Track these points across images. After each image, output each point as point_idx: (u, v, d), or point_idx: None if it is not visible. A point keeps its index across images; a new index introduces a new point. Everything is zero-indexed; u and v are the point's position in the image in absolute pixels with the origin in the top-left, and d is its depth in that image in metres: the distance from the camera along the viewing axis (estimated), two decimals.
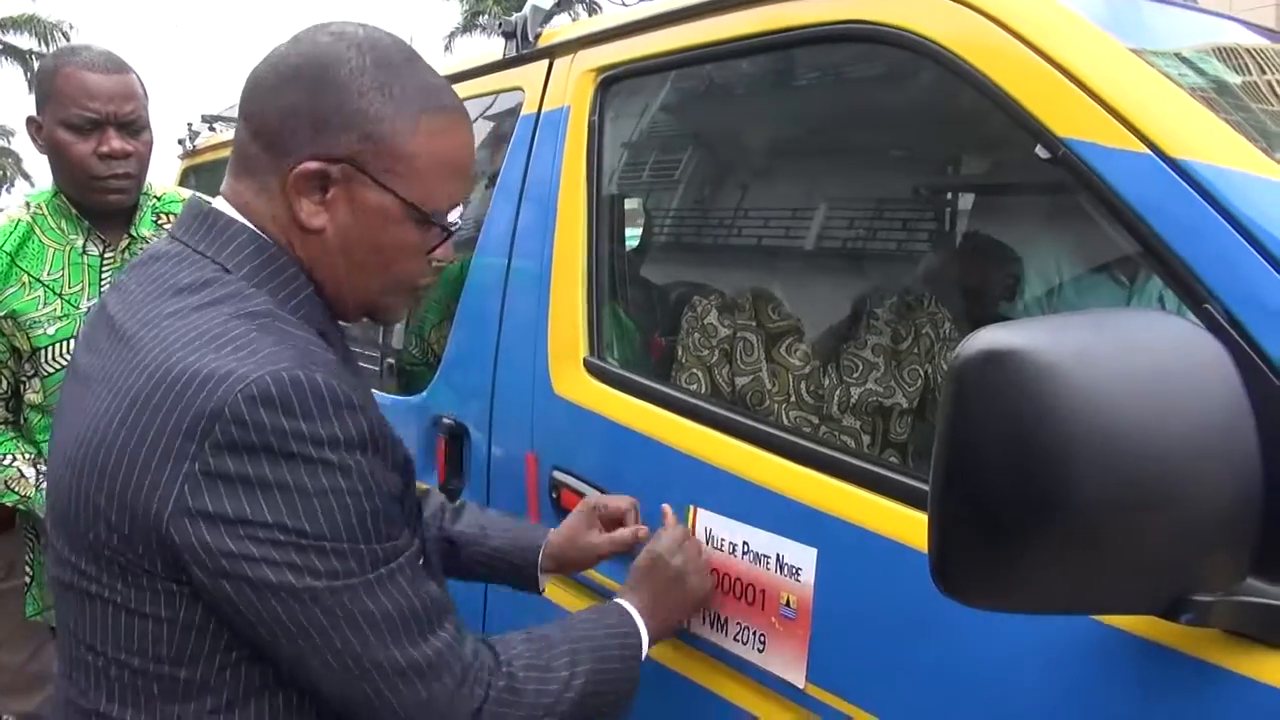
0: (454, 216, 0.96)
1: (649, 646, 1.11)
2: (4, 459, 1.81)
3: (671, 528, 1.22)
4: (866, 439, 1.59)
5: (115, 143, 1.70)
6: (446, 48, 30.00)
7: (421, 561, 0.97)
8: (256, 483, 0.79)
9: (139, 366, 0.82)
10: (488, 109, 2.02)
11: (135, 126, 1.73)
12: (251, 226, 0.91)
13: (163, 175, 4.43)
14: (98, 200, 1.76)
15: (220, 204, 0.93)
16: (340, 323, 0.99)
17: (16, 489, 1.80)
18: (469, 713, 0.90)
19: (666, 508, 1.25)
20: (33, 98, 1.77)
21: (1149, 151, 0.87)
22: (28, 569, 1.98)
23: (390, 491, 0.87)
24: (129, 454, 0.80)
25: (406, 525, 0.93)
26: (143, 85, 1.77)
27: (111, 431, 0.81)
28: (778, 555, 1.14)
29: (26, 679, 2.23)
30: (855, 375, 1.60)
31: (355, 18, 0.97)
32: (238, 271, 0.89)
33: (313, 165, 0.87)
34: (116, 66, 1.71)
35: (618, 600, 1.14)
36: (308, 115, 0.87)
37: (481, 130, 2.10)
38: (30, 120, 1.76)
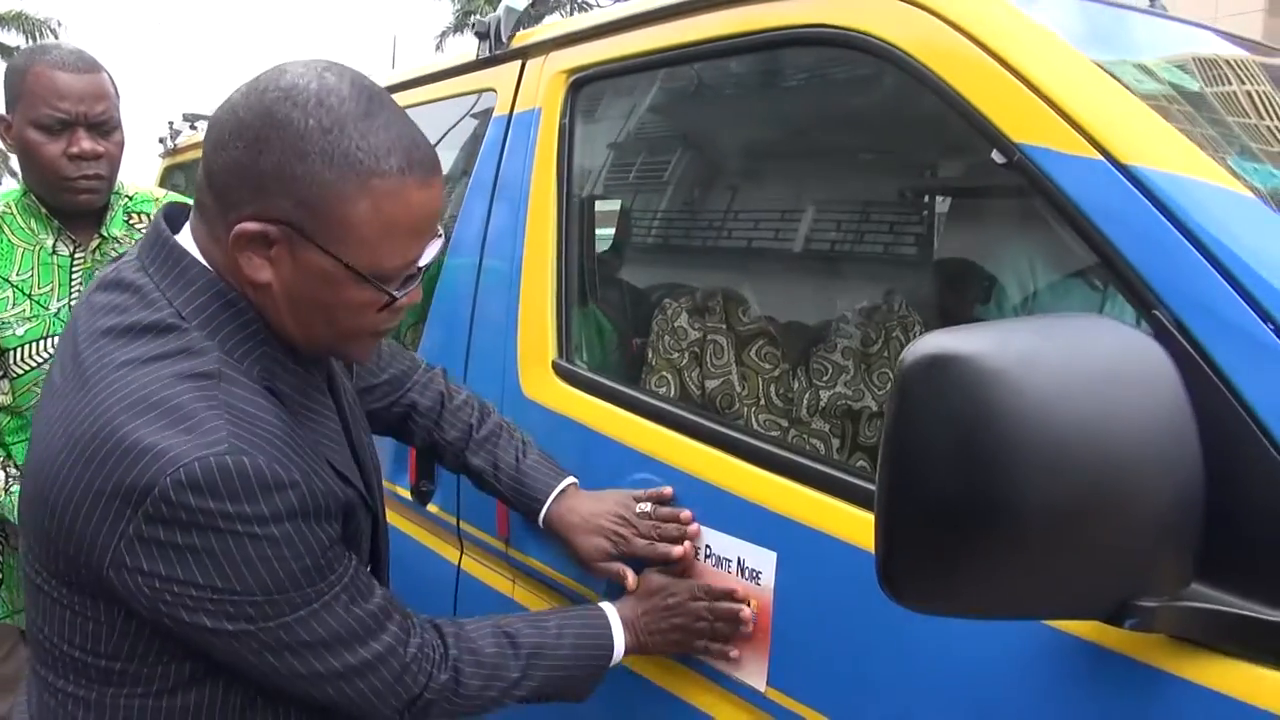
0: (411, 268, 0.93)
1: (621, 657, 1.16)
2: None
3: (695, 577, 1.21)
4: (836, 442, 1.59)
5: (85, 143, 1.69)
6: (438, 47, 29.95)
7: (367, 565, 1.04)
8: (186, 549, 0.83)
9: (89, 416, 0.85)
10: (462, 110, 2.02)
11: (106, 127, 1.71)
12: (211, 270, 0.91)
13: (144, 173, 4.42)
14: (68, 201, 1.75)
15: (185, 239, 0.93)
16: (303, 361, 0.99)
17: None
18: (408, 700, 1.00)
19: (689, 547, 1.22)
20: None
21: (1101, 157, 0.87)
22: None
23: (328, 542, 0.92)
24: (74, 501, 0.84)
25: (345, 554, 0.97)
26: (114, 84, 1.75)
27: (62, 475, 0.85)
28: (739, 559, 1.15)
29: (1, 680, 2.21)
30: (825, 379, 1.60)
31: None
32: (193, 319, 0.90)
33: (252, 226, 0.86)
34: (88, 65, 1.69)
35: (605, 605, 1.19)
36: (250, 174, 0.85)
37: (456, 131, 2.10)
38: (1, 119, 1.75)
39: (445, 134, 2.13)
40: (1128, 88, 0.95)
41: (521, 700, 1.11)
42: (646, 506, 1.26)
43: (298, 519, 0.87)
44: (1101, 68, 0.97)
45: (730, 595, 1.15)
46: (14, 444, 1.80)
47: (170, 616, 0.86)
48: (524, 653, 1.09)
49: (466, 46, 2.06)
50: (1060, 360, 0.71)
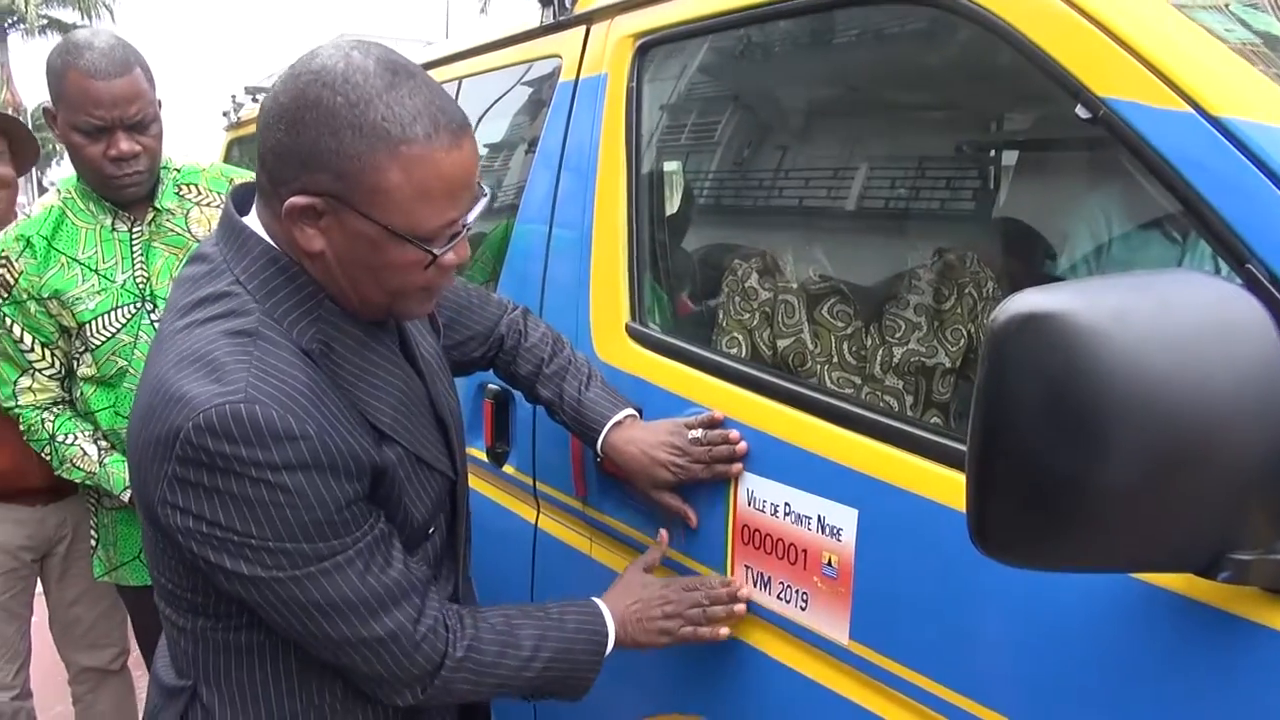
0: (453, 228, 0.97)
1: (611, 647, 1.24)
2: (66, 438, 1.90)
3: (690, 580, 1.31)
4: (909, 399, 1.60)
5: (124, 144, 1.76)
6: (482, 9, 29.83)
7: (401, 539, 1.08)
8: (211, 490, 0.92)
9: (154, 374, 0.97)
10: (525, 76, 2.03)
11: (141, 124, 1.77)
12: (268, 242, 1.00)
13: (209, 145, 4.50)
14: (113, 195, 1.85)
15: (251, 219, 1.02)
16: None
17: (81, 465, 1.89)
18: (420, 675, 1.06)
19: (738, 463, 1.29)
20: None
21: (1191, 110, 0.86)
22: (93, 533, 2.07)
23: (344, 500, 0.97)
24: (140, 449, 0.97)
25: (376, 513, 1.03)
26: (148, 74, 1.78)
27: (135, 428, 0.99)
28: (819, 516, 1.17)
29: (98, 634, 2.34)
30: (897, 335, 1.61)
31: None
32: (249, 284, 0.99)
33: (300, 200, 0.94)
34: (119, 68, 1.71)
35: (597, 601, 1.27)
36: (292, 153, 0.93)
37: (519, 97, 2.12)
38: (47, 111, 1.82)
39: (508, 101, 2.15)
40: (1217, 36, 0.93)
41: (531, 685, 1.16)
42: (698, 433, 1.32)
43: (310, 471, 0.93)
44: (1188, 16, 0.95)
45: (723, 582, 1.28)
46: (99, 411, 1.89)
47: (202, 556, 0.96)
48: (532, 632, 1.16)
49: (514, 7, 2.06)
50: (1153, 315, 0.71)
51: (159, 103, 1.84)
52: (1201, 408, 0.70)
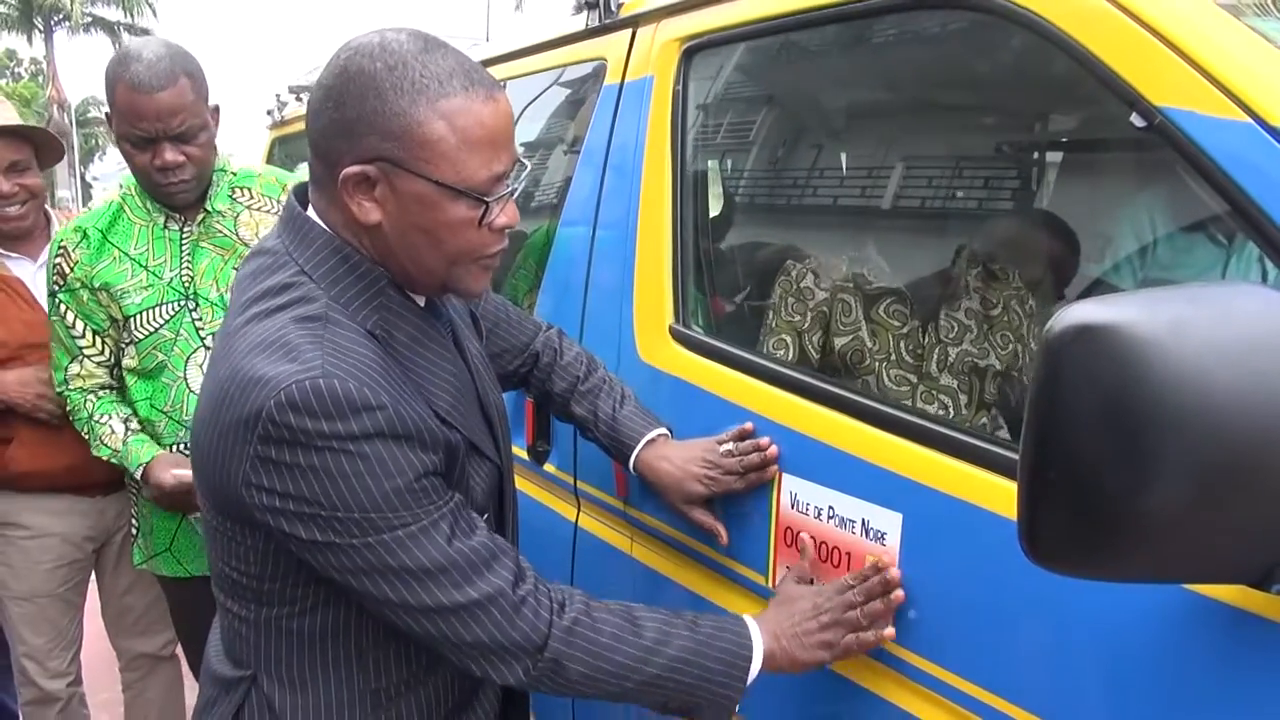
0: (500, 185, 1.02)
1: (760, 667, 1.13)
2: (101, 418, 1.96)
3: (841, 581, 1.17)
4: (964, 398, 1.61)
5: (169, 155, 1.81)
6: (517, 7, 29.97)
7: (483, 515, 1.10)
8: (293, 466, 0.95)
9: (227, 364, 1.00)
10: (569, 79, 2.05)
11: (187, 135, 1.82)
12: (329, 231, 1.05)
13: (253, 145, 4.57)
14: (163, 201, 1.91)
15: (310, 211, 1.07)
16: (422, 308, 1.11)
17: (108, 442, 1.95)
18: (530, 648, 1.04)
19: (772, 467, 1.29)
20: None
21: (1250, 120, 0.86)
22: (134, 521, 2.12)
23: (422, 469, 1.00)
24: (216, 434, 0.99)
25: (451, 489, 1.05)
26: (196, 82, 1.80)
27: (208, 416, 1.02)
28: (863, 520, 1.17)
29: (149, 621, 2.40)
30: (951, 336, 1.61)
31: None
32: (314, 273, 1.04)
33: (353, 169, 0.99)
34: (163, 80, 1.74)
35: (745, 616, 1.17)
36: (341, 127, 0.99)
37: (563, 100, 2.14)
38: (106, 116, 1.87)
39: (553, 104, 2.17)
40: (1275, 44, 0.92)
41: (657, 690, 1.09)
42: (729, 445, 1.33)
43: (387, 440, 0.97)
44: (1245, 23, 0.95)
45: (875, 569, 1.13)
46: (139, 401, 1.96)
47: (289, 533, 0.98)
48: (656, 622, 1.11)
49: (549, 5, 2.08)
50: (1209, 327, 0.71)
51: (214, 109, 1.88)
52: (1259, 420, 0.70)
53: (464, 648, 1.04)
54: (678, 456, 1.37)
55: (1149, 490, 0.70)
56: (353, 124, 0.98)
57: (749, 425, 1.33)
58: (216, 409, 0.99)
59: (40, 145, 2.21)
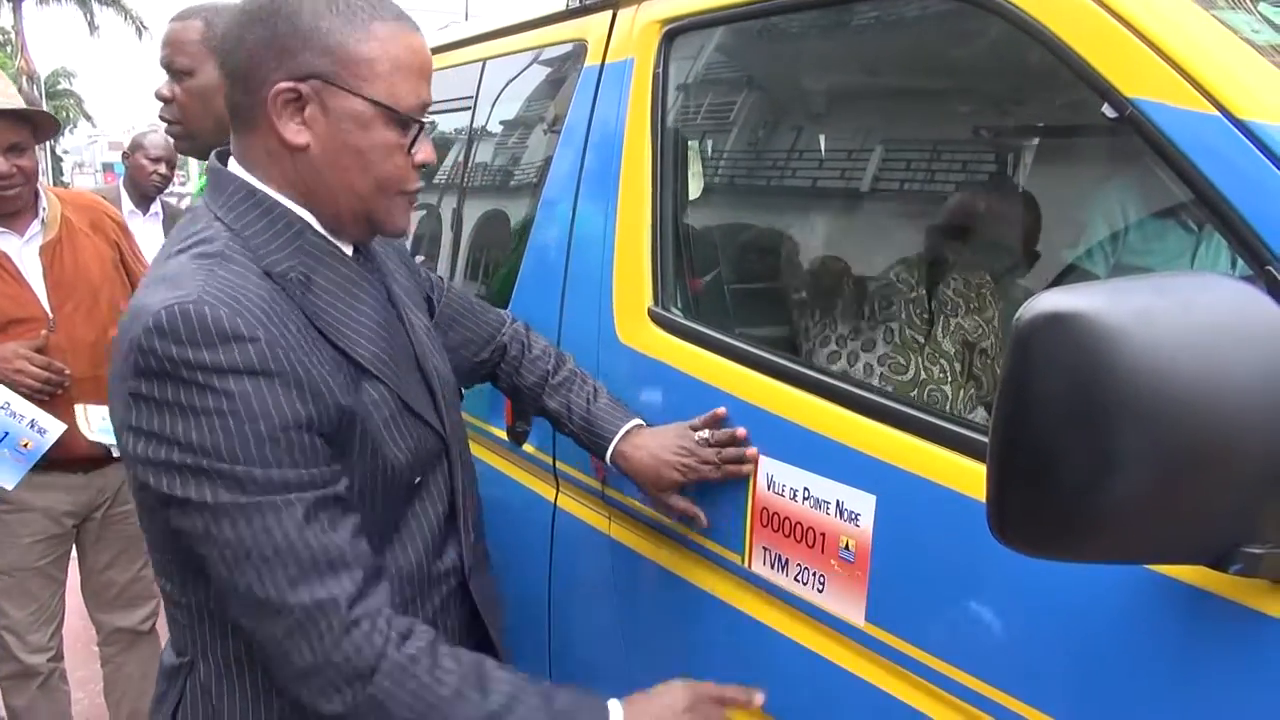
0: (424, 116, 1.05)
1: None
2: None
3: (716, 694, 1.15)
4: (958, 366, 1.66)
5: (162, 88, 1.74)
6: None
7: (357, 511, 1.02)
8: (160, 403, 0.92)
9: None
10: (548, 60, 2.05)
11: (177, 72, 1.75)
12: (243, 176, 1.05)
13: None
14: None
15: (232, 163, 1.07)
16: (348, 257, 1.10)
17: None
18: (348, 672, 0.94)
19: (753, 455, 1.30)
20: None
21: (1217, 112, 0.87)
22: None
23: (292, 418, 0.94)
24: (113, 381, 0.98)
25: (322, 462, 0.98)
26: (208, 29, 1.70)
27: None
28: (837, 501, 1.19)
29: (130, 596, 2.41)
30: (949, 309, 1.66)
31: None
32: (226, 217, 1.03)
33: (285, 84, 0.99)
34: (182, 14, 1.71)
35: (611, 701, 1.09)
36: (272, 44, 0.99)
37: (542, 81, 2.13)
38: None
39: (531, 85, 2.17)
40: (1244, 38, 0.94)
41: None
42: (705, 434, 1.34)
43: (258, 377, 0.92)
44: (1216, 17, 0.97)
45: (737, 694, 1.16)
46: None
47: (156, 491, 0.94)
48: (508, 686, 1.02)
49: None
50: (1174, 315, 0.73)
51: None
52: (1220, 407, 0.72)
53: (282, 661, 0.96)
54: (653, 445, 1.37)
55: (1113, 474, 0.72)
56: (284, 40, 0.98)
57: (722, 410, 1.34)
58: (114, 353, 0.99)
59: (37, 126, 2.19)
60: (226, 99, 1.05)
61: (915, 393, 1.69)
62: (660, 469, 1.36)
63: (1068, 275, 1.99)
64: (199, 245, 1.00)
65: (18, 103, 2.14)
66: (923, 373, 1.68)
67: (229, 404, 0.92)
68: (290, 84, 0.99)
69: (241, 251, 1.00)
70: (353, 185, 1.04)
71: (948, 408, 1.67)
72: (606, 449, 1.41)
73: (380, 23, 1.01)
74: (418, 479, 1.14)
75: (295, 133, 1.01)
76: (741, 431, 1.31)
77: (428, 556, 1.17)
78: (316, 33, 0.99)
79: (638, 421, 1.42)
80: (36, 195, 2.25)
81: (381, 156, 1.03)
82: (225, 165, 1.08)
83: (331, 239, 1.08)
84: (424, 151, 1.07)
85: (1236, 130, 0.86)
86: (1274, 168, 0.83)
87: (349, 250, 1.11)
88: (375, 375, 1.06)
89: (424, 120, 1.05)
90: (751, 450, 1.30)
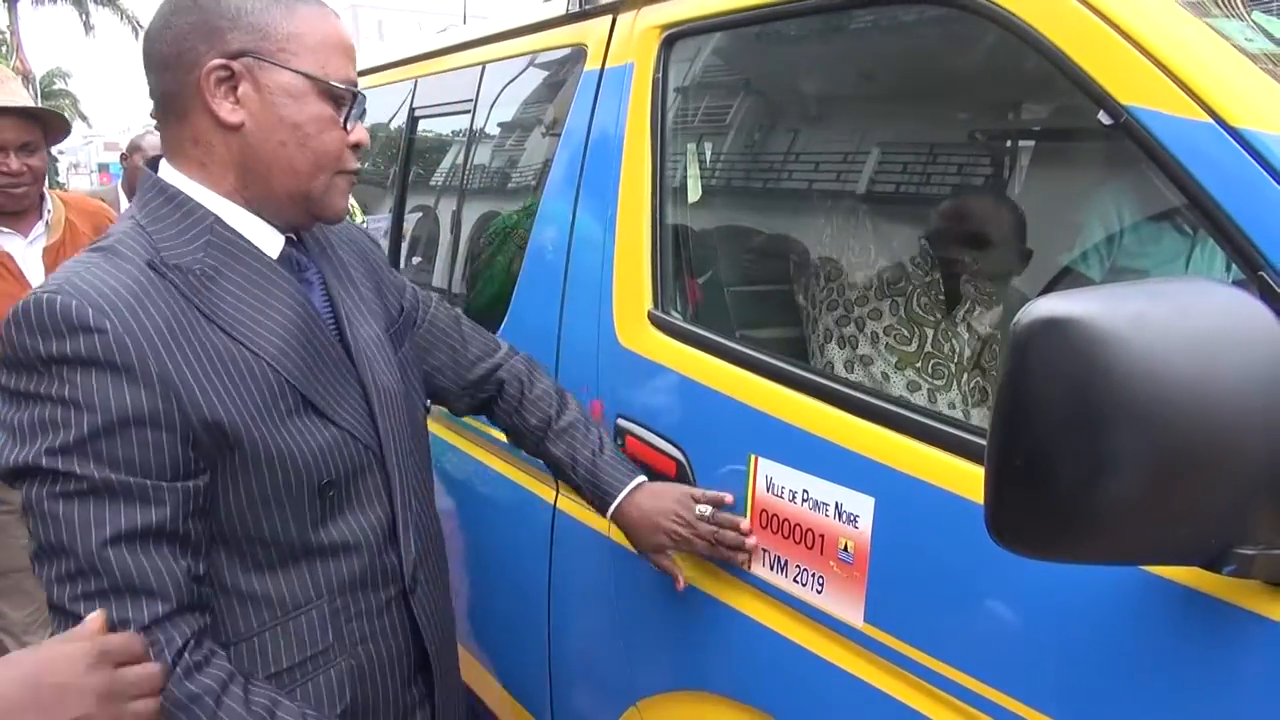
0: (352, 102, 1.07)
1: None
2: None
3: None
4: (968, 351, 1.72)
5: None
6: None
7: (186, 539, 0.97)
8: (12, 391, 0.93)
9: None
10: (548, 64, 2.06)
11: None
12: (162, 174, 1.06)
13: None
14: None
15: (162, 165, 1.08)
16: (268, 256, 1.07)
17: None
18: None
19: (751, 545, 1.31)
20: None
21: (1211, 120, 0.89)
22: None
23: (133, 413, 0.91)
24: None
25: (161, 475, 0.93)
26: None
27: None
28: (836, 503, 1.20)
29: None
30: (971, 297, 1.70)
31: None
32: (139, 215, 1.04)
33: (217, 62, 1.00)
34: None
35: None
36: (199, 28, 1.01)
37: (542, 85, 2.14)
38: None
39: (531, 88, 2.18)
40: (1238, 47, 0.96)
41: None
42: (706, 510, 1.33)
43: (103, 368, 0.91)
44: (1211, 25, 0.98)
45: None
46: None
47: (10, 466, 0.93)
48: None
49: None
50: (1168, 321, 0.75)
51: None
52: (1214, 410, 0.73)
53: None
54: (650, 506, 1.36)
55: (1109, 476, 0.74)
56: (212, 22, 1.00)
57: (729, 496, 1.34)
58: None
59: (48, 125, 2.20)
60: (154, 91, 1.05)
61: (920, 364, 1.70)
62: (653, 532, 1.35)
63: (1065, 278, 2.00)
64: (100, 242, 1.02)
65: (27, 101, 2.15)
66: (929, 345, 1.70)
67: (69, 392, 0.91)
68: (222, 61, 1.00)
69: (136, 246, 0.99)
70: (290, 162, 1.05)
71: (951, 385, 1.68)
72: (609, 506, 1.39)
73: (306, 4, 1.05)
74: (326, 480, 1.07)
75: (230, 111, 1.02)
76: (745, 524, 1.31)
77: (358, 567, 1.12)
78: (244, 12, 1.01)
79: (641, 479, 1.40)
80: (42, 197, 2.26)
81: (317, 130, 1.05)
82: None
83: (245, 235, 1.06)
84: (358, 131, 1.09)
85: (1230, 138, 0.87)
86: (1267, 175, 0.85)
87: (273, 249, 1.09)
88: (273, 367, 1.02)
89: (356, 92, 1.07)
90: (751, 540, 1.30)
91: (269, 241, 1.09)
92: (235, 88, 1.02)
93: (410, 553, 1.20)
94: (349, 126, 1.08)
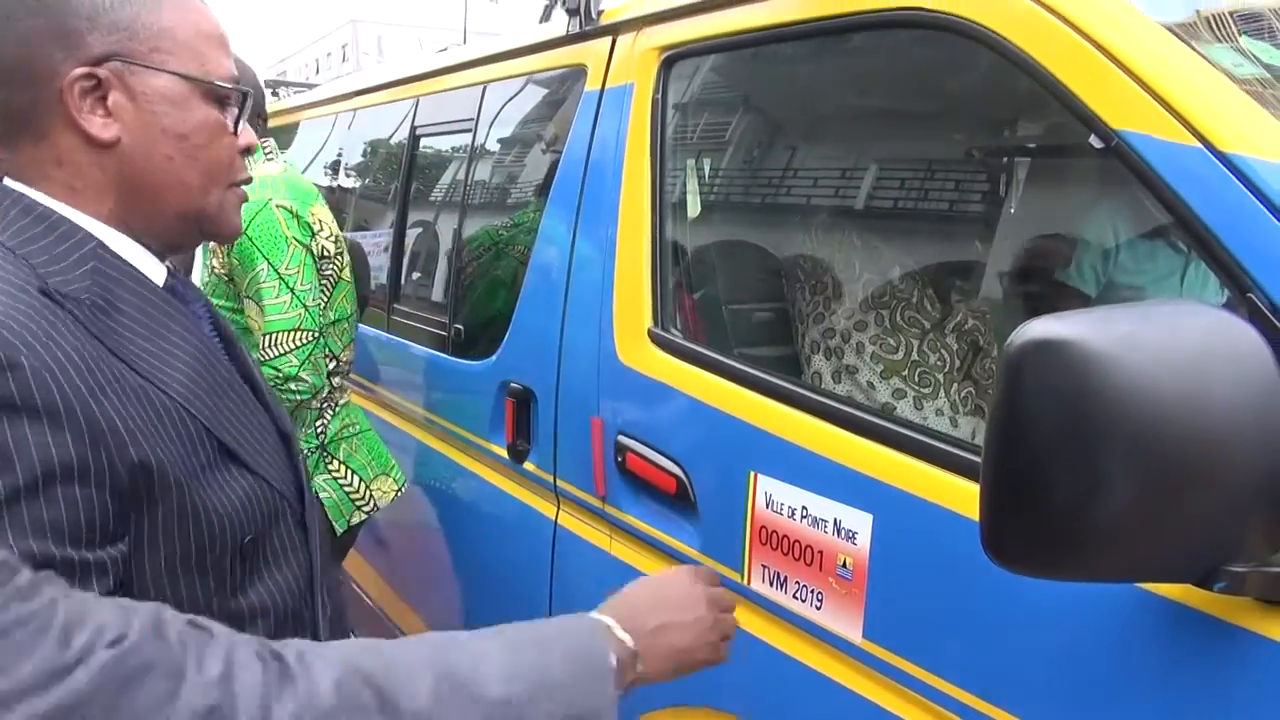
0: (236, 94, 0.94)
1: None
2: None
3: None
4: (958, 362, 1.74)
5: None
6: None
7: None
8: None
9: None
10: (548, 84, 2.08)
11: None
12: (19, 189, 0.87)
13: None
14: None
15: (7, 181, 0.89)
16: (155, 284, 0.92)
17: None
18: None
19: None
20: None
21: (1200, 145, 0.91)
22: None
23: (57, 470, 0.74)
24: None
25: (81, 543, 0.75)
26: None
27: None
28: (835, 520, 1.22)
29: None
30: (962, 310, 1.72)
31: None
32: (12, 240, 0.84)
33: (80, 71, 0.84)
34: None
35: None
36: (51, 31, 0.84)
37: (542, 104, 2.16)
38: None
39: (532, 108, 2.20)
40: (1227, 72, 0.98)
41: None
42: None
43: (20, 415, 0.72)
44: (1199, 52, 1.00)
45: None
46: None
47: None
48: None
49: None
50: (1158, 342, 0.76)
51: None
52: (1203, 430, 0.75)
53: None
54: None
55: (1100, 495, 0.75)
56: (66, 23, 0.83)
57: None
58: None
59: None
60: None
61: (906, 372, 1.70)
62: None
63: (1061, 293, 2.02)
64: None
65: None
66: (914, 354, 1.71)
67: None
68: (85, 70, 0.84)
69: (15, 270, 0.81)
70: (181, 178, 0.91)
71: (939, 393, 1.69)
72: None
73: None
74: (248, 538, 0.92)
75: (102, 127, 0.86)
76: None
77: (275, 629, 0.96)
78: (101, 9, 0.85)
79: None
80: None
81: (206, 139, 0.91)
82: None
83: (130, 262, 0.90)
84: (247, 134, 0.96)
85: (1218, 162, 0.89)
86: (1254, 198, 0.86)
87: (158, 277, 0.94)
88: (186, 409, 0.86)
89: (245, 91, 0.94)
90: None
91: (153, 269, 0.93)
92: (104, 98, 0.86)
93: (326, 609, 1.06)
94: (238, 130, 0.95)
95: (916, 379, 1.71)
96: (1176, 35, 1.01)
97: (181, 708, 0.59)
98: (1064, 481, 0.76)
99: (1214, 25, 1.12)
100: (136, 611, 0.63)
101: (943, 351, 1.74)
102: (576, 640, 0.82)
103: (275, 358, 1.96)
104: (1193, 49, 1.00)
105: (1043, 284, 1.93)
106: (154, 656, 0.60)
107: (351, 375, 2.44)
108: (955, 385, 1.74)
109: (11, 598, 0.57)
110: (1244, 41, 1.08)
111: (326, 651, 0.69)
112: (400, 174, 2.68)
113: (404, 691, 0.68)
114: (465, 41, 4.60)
